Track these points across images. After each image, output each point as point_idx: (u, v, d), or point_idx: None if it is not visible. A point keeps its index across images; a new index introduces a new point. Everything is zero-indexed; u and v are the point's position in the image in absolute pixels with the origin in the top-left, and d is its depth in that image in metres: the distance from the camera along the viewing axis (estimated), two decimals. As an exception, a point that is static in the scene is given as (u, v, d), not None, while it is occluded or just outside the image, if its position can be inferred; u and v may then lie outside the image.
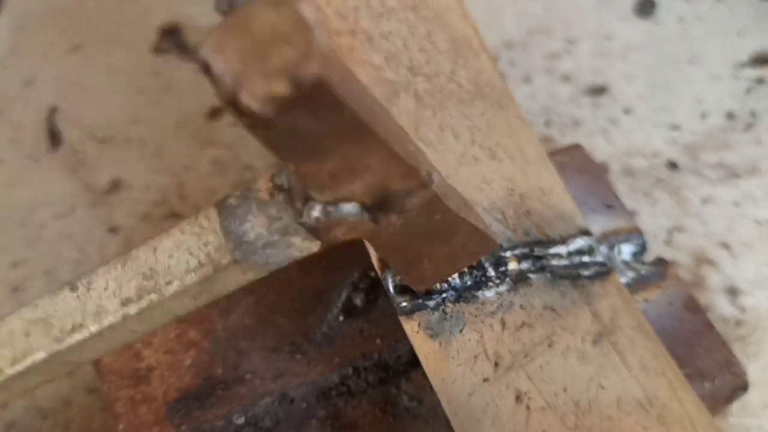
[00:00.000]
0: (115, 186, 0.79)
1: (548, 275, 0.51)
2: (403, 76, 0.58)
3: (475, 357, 0.48)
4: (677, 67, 0.83)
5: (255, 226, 0.37)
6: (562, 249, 0.52)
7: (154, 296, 0.38)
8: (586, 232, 0.53)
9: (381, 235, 0.39)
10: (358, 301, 0.54)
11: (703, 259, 0.71)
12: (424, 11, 0.61)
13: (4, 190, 0.79)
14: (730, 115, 0.79)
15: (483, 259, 0.51)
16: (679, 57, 0.83)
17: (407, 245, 0.41)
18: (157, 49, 0.87)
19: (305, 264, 0.55)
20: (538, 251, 0.52)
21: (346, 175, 0.34)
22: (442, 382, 0.47)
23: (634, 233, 0.60)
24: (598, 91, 0.82)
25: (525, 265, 0.52)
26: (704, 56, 0.83)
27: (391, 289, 0.48)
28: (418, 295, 0.48)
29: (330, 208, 0.36)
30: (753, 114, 0.79)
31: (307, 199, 0.36)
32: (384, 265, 0.49)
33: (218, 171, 0.79)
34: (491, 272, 0.51)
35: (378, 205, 0.36)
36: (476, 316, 0.49)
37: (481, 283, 0.51)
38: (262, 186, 0.38)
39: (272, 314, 0.53)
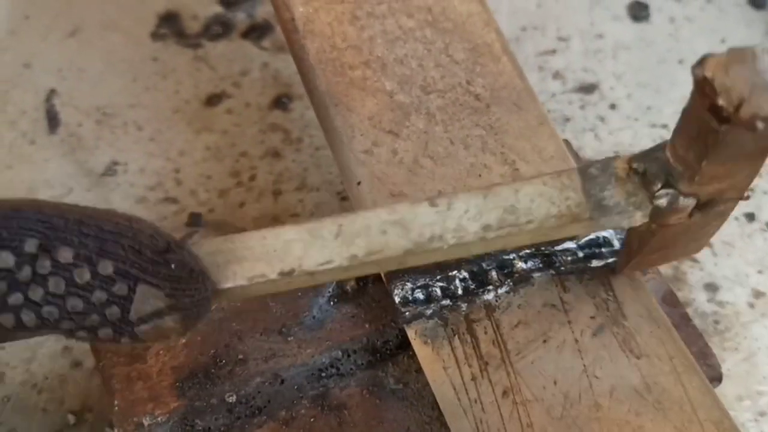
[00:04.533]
0: (112, 169, 0.80)
1: (552, 272, 0.53)
2: (416, 96, 0.60)
3: (466, 359, 0.50)
4: (666, 67, 0.84)
5: (614, 195, 0.46)
6: (570, 244, 0.54)
7: (513, 229, 0.46)
8: None
9: (670, 227, 0.47)
10: (348, 286, 0.55)
11: (684, 255, 0.73)
12: (444, 24, 0.63)
13: (2, 171, 0.80)
14: (716, 116, 0.81)
15: (485, 264, 0.53)
16: (669, 57, 0.85)
17: (672, 238, 0.49)
18: (156, 35, 0.88)
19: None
20: (545, 249, 0.54)
21: (719, 179, 0.44)
22: (434, 383, 0.50)
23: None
24: (588, 88, 0.83)
25: (531, 264, 0.54)
26: (693, 57, 0.84)
27: (396, 300, 0.52)
28: (418, 304, 0.52)
29: (681, 198, 0.45)
30: (738, 115, 0.81)
31: (667, 186, 0.45)
32: (390, 277, 0.53)
33: (213, 157, 0.80)
34: (493, 275, 0.53)
35: (704, 204, 0.45)
36: (472, 320, 0.52)
37: (481, 286, 0.53)
38: (620, 165, 0.46)
39: (264, 298, 0.55)
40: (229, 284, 0.44)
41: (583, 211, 0.46)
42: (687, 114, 0.43)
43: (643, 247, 0.50)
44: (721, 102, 0.39)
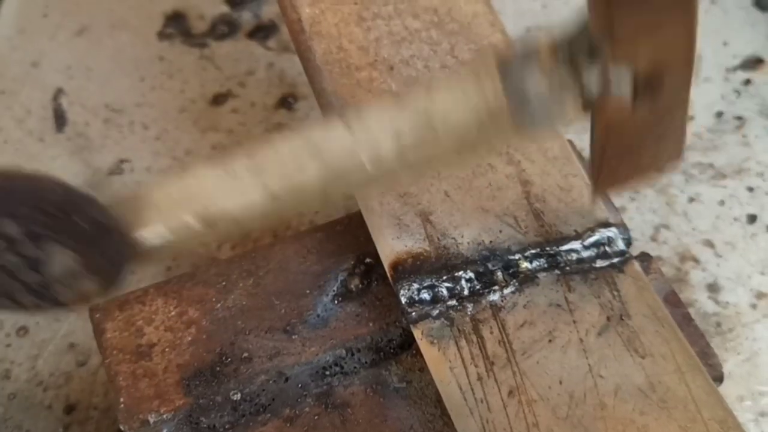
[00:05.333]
0: (119, 168, 0.81)
1: (557, 272, 0.54)
2: None
3: (472, 359, 0.51)
4: (670, 68, 0.84)
5: (537, 84, 0.40)
6: (576, 244, 0.54)
7: (429, 133, 0.40)
8: (605, 224, 0.55)
9: (618, 128, 0.41)
10: (352, 285, 0.56)
11: (687, 256, 0.73)
12: (450, 25, 0.63)
13: (10, 168, 0.80)
14: (720, 117, 0.81)
15: (491, 265, 0.53)
16: (673, 58, 0.85)
17: (630, 141, 0.42)
18: (162, 35, 0.89)
19: (302, 249, 0.57)
20: (550, 249, 0.54)
21: (645, 33, 0.36)
22: (441, 383, 0.50)
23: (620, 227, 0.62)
24: (592, 89, 0.83)
25: (536, 264, 0.54)
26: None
27: (402, 301, 0.52)
28: (424, 304, 0.52)
29: (612, 74, 0.38)
30: (742, 116, 0.81)
31: (593, 58, 0.38)
32: (396, 278, 0.53)
33: (219, 156, 0.81)
34: (499, 275, 0.53)
35: (645, 83, 0.38)
36: (478, 320, 0.52)
37: (487, 287, 0.53)
38: (543, 49, 0.40)
39: (269, 296, 0.55)
40: (148, 233, 0.41)
41: (502, 101, 0.40)
42: None
43: (603, 154, 0.45)
44: None
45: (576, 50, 0.39)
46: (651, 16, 0.37)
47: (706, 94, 0.82)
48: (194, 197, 0.42)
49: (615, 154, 0.44)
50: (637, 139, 0.43)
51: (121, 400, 0.51)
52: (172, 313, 0.54)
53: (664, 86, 0.39)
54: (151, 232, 0.42)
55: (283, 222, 0.50)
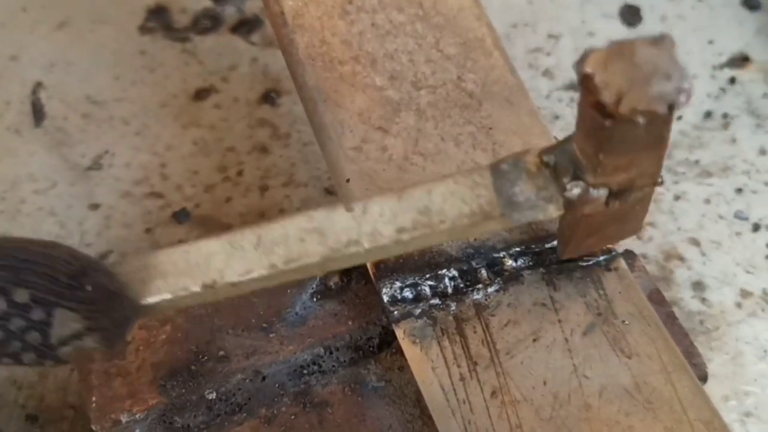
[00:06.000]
0: (97, 163, 0.80)
1: (542, 271, 0.53)
2: (406, 92, 0.60)
3: (454, 359, 0.50)
4: (657, 66, 0.84)
5: (524, 191, 0.46)
6: None
7: (427, 230, 0.46)
8: None
9: (594, 215, 0.47)
10: (332, 283, 0.55)
11: (673, 255, 0.73)
12: (435, 18, 0.62)
13: (-14, 163, 0.79)
14: (706, 114, 0.81)
15: (475, 263, 0.53)
16: (660, 55, 0.85)
17: (600, 224, 0.49)
18: (144, 29, 0.88)
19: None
20: (535, 247, 0.54)
21: (624, 168, 0.44)
22: (422, 383, 0.50)
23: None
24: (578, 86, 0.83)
25: (521, 262, 0.53)
26: (683, 55, 0.84)
27: (385, 299, 0.52)
28: (407, 303, 0.52)
29: (591, 190, 0.44)
30: (728, 114, 0.81)
31: (576, 178, 0.45)
32: (379, 276, 0.52)
33: (201, 152, 0.80)
34: (483, 274, 0.53)
35: (618, 193, 0.45)
36: (461, 319, 0.52)
37: (470, 285, 0.53)
38: (531, 160, 0.46)
39: (247, 294, 0.54)
40: (154, 299, 0.45)
41: (494, 208, 0.46)
42: (580, 109, 0.42)
43: (573, 233, 0.50)
44: (602, 98, 0.39)
45: (560, 166, 0.45)
46: (630, 157, 0.43)
47: (693, 92, 0.82)
48: (200, 268, 0.45)
49: (584, 234, 0.50)
50: (604, 224, 0.49)
51: (93, 399, 0.51)
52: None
53: (634, 192, 0.45)
54: (156, 298, 0.45)
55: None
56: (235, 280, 0.45)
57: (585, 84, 0.40)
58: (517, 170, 0.46)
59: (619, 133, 0.41)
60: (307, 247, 0.45)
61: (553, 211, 0.46)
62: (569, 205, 0.46)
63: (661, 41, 0.40)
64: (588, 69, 0.39)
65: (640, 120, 0.39)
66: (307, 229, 0.45)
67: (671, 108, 0.39)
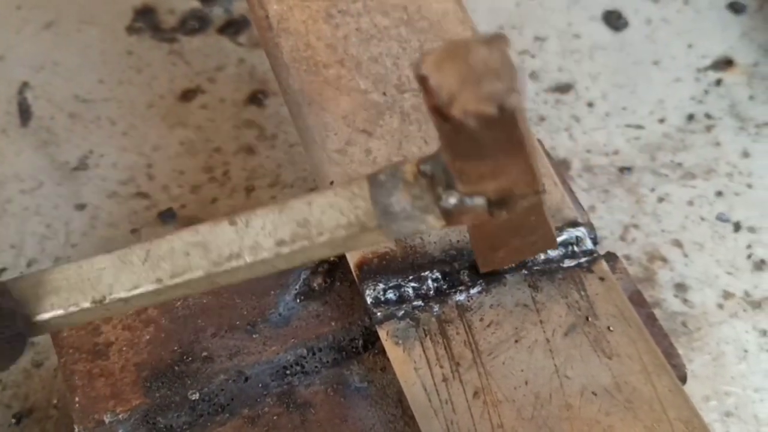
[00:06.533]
0: (84, 163, 0.80)
1: (524, 272, 0.53)
2: (390, 95, 0.60)
3: (437, 360, 0.50)
4: (642, 68, 0.85)
5: (400, 201, 0.44)
6: None
7: (306, 242, 0.45)
8: (573, 224, 0.54)
9: (486, 225, 0.47)
10: (315, 284, 0.55)
11: (656, 256, 0.73)
12: (419, 23, 0.63)
13: (-28, 163, 0.79)
14: (690, 117, 0.81)
15: (457, 264, 0.53)
16: (644, 58, 0.85)
17: (499, 236, 0.49)
18: (131, 29, 0.88)
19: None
20: None
21: (490, 176, 0.42)
22: (405, 384, 0.50)
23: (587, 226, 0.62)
24: (563, 88, 0.83)
25: None
26: (668, 58, 0.85)
27: (368, 301, 0.52)
28: (390, 304, 0.52)
29: (466, 199, 0.43)
30: (712, 116, 0.81)
31: (449, 188, 0.43)
32: (362, 277, 0.52)
33: (187, 152, 0.80)
34: (465, 275, 0.53)
35: (497, 203, 0.44)
36: (444, 321, 0.52)
37: (453, 287, 0.53)
38: (408, 169, 0.44)
39: (231, 294, 0.54)
40: (46, 315, 0.45)
41: (371, 219, 0.45)
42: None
43: (477, 246, 0.50)
44: (435, 100, 0.38)
45: (436, 176, 0.44)
46: (490, 164, 0.42)
47: (677, 94, 0.82)
48: (91, 283, 0.45)
49: (487, 246, 0.51)
50: (503, 236, 0.49)
51: (76, 399, 0.50)
52: (131, 312, 0.53)
53: (516, 202, 0.44)
54: (49, 315, 0.45)
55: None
56: (124, 296, 0.45)
57: (422, 86, 0.39)
58: (394, 180, 0.44)
59: (463, 136, 0.39)
60: (191, 261, 0.45)
61: (432, 222, 0.44)
62: (448, 215, 0.44)
63: (494, 41, 0.38)
64: (423, 71, 0.38)
65: (471, 122, 0.38)
66: (192, 243, 0.45)
67: (502, 109, 0.37)
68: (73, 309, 0.45)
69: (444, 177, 0.43)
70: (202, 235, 0.45)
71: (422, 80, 0.38)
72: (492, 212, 0.44)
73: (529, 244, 0.51)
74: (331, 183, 0.57)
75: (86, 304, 0.45)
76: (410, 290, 0.53)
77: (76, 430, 0.50)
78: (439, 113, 0.39)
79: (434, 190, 0.44)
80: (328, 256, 0.49)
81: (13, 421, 0.65)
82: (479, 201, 0.43)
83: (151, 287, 0.45)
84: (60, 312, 0.45)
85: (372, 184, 0.45)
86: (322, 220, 0.45)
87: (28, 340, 0.45)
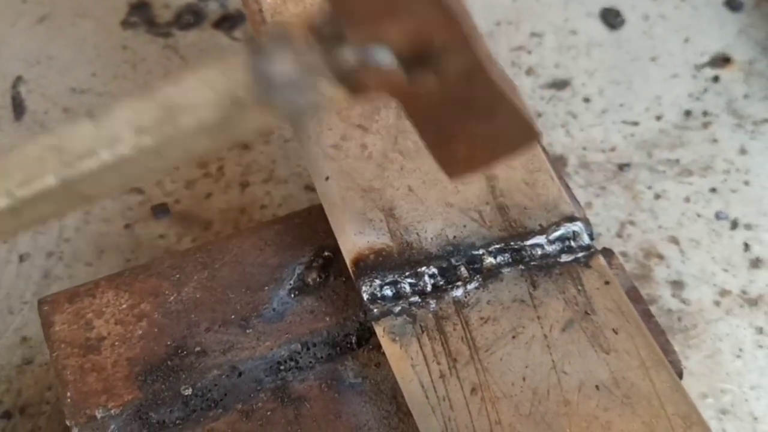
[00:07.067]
0: (78, 158, 0.79)
1: (522, 268, 0.53)
2: None
3: (434, 356, 0.50)
4: (639, 64, 0.84)
5: (284, 66, 0.37)
6: (540, 239, 0.54)
7: (171, 129, 0.38)
8: (571, 218, 0.54)
9: (416, 99, 0.38)
10: (310, 279, 0.55)
11: (652, 253, 0.73)
12: None
13: (-35, 157, 0.79)
14: (687, 114, 0.81)
15: (454, 260, 0.53)
16: (642, 54, 0.85)
17: (443, 116, 0.39)
18: (126, 23, 0.87)
19: (260, 242, 0.56)
20: (514, 244, 0.54)
21: (385, 13, 0.33)
22: (402, 381, 0.50)
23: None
24: (560, 84, 0.83)
25: (500, 259, 0.53)
26: (666, 55, 0.85)
27: (365, 297, 0.52)
28: (386, 300, 0.51)
29: (366, 53, 0.35)
30: (709, 113, 0.81)
31: (341, 41, 0.35)
32: (358, 274, 0.52)
33: None
34: (462, 271, 0.53)
35: (415, 60, 0.35)
36: (441, 317, 0.52)
37: (450, 282, 0.53)
38: (297, 28, 0.37)
39: (224, 289, 0.54)
40: None
41: (247, 92, 0.37)
42: None
43: (421, 132, 0.41)
44: None
45: (330, 33, 0.37)
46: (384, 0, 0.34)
47: (674, 91, 0.82)
48: None
49: (436, 134, 0.41)
50: (451, 118, 0.40)
51: (68, 394, 0.50)
52: (123, 306, 0.53)
53: (441, 59, 0.35)
54: None
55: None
56: None
57: None
58: (279, 43, 0.37)
59: None
60: (43, 166, 0.38)
61: (328, 91, 0.37)
62: (348, 80, 0.36)
63: None
64: None
65: None
66: (47, 146, 0.38)
67: None
68: None
69: (338, 30, 0.36)
70: (58, 135, 0.39)
71: None
72: (412, 76, 0.36)
73: (499, 135, 0.41)
74: (327, 179, 0.56)
75: None
76: (407, 286, 0.53)
77: (68, 425, 0.49)
78: None
79: (326, 46, 0.36)
80: (210, 149, 0.40)
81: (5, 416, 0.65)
82: (386, 56, 0.35)
83: (1, 202, 0.38)
84: None
85: (252, 52, 0.37)
86: (189, 100, 0.37)
87: None
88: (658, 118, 0.81)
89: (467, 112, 0.39)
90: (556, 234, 0.54)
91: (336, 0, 0.35)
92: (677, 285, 0.71)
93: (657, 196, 0.76)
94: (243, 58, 0.37)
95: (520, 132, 0.41)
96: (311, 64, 0.36)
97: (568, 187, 0.58)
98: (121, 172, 0.39)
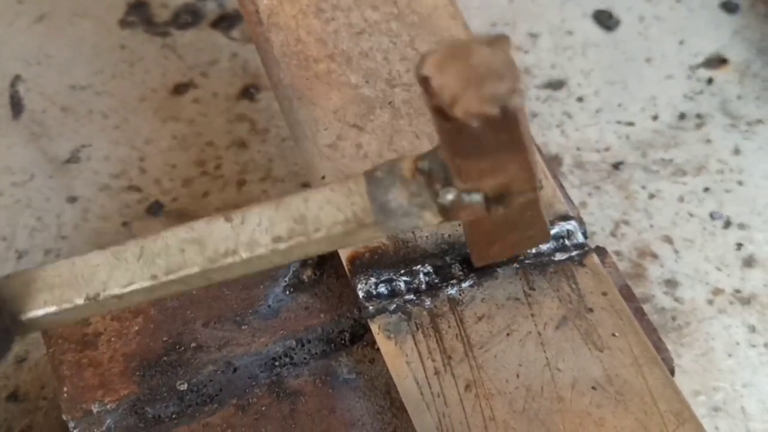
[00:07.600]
0: (76, 156, 0.80)
1: (516, 266, 0.54)
2: (381, 90, 0.60)
3: (429, 353, 0.50)
4: (634, 65, 0.85)
5: (397, 197, 0.45)
6: None
7: (302, 239, 0.46)
8: (565, 217, 0.55)
9: (482, 221, 0.48)
10: (305, 276, 0.55)
11: (646, 252, 0.74)
12: (410, 17, 0.63)
13: (-36, 155, 0.79)
14: (682, 114, 0.82)
15: (449, 258, 0.53)
16: (637, 55, 0.85)
17: (495, 231, 0.50)
18: (124, 23, 0.88)
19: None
20: None
21: (489, 173, 0.43)
22: (397, 377, 0.50)
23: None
24: (555, 85, 0.84)
25: None
26: (661, 56, 0.85)
27: (360, 295, 0.52)
28: (382, 298, 0.52)
29: (464, 195, 0.44)
30: (703, 114, 0.82)
31: (447, 184, 0.44)
32: (354, 271, 0.52)
33: (179, 146, 0.80)
34: (457, 269, 0.53)
35: (495, 199, 0.44)
36: (435, 314, 0.52)
37: (445, 280, 0.53)
38: (406, 166, 0.45)
39: (220, 286, 0.54)
40: (38, 313, 0.45)
41: (368, 215, 0.45)
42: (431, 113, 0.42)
43: (473, 241, 0.51)
44: (438, 101, 0.39)
45: (434, 173, 0.45)
46: (489, 161, 0.43)
47: (669, 92, 0.83)
48: (84, 280, 0.45)
49: (483, 241, 0.51)
50: (499, 232, 0.50)
51: (65, 389, 0.50)
52: (123, 309, 0.53)
53: (513, 198, 0.45)
54: (41, 312, 0.45)
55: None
56: (118, 292, 0.45)
57: (424, 87, 0.39)
58: (392, 177, 0.45)
59: (464, 135, 0.40)
60: (186, 258, 0.45)
61: (430, 218, 0.45)
62: (445, 212, 0.45)
63: (496, 41, 0.39)
64: (425, 72, 0.39)
65: (474, 123, 0.39)
66: (187, 239, 0.45)
67: (504, 110, 0.39)
68: (66, 306, 0.45)
69: (442, 173, 0.44)
70: (197, 231, 0.46)
71: (424, 81, 0.39)
72: (489, 208, 0.44)
73: (524, 238, 0.51)
74: (323, 178, 0.57)
75: (80, 301, 0.45)
76: (402, 284, 0.53)
77: (65, 419, 0.50)
78: (441, 114, 0.39)
79: (432, 186, 0.44)
80: (324, 252, 0.49)
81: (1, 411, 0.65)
82: (477, 197, 0.44)
83: (146, 284, 0.45)
84: (53, 309, 0.45)
85: (369, 181, 0.45)
86: (319, 216, 0.45)
87: (14, 338, 0.44)
88: (653, 118, 0.81)
89: (512, 228, 0.50)
90: (551, 232, 0.54)
91: (454, 161, 0.43)
92: (671, 284, 0.72)
93: (651, 196, 0.77)
94: (362, 187, 0.46)
95: (540, 236, 0.52)
96: (420, 198, 0.45)
97: (562, 186, 0.58)
98: (250, 266, 0.46)
